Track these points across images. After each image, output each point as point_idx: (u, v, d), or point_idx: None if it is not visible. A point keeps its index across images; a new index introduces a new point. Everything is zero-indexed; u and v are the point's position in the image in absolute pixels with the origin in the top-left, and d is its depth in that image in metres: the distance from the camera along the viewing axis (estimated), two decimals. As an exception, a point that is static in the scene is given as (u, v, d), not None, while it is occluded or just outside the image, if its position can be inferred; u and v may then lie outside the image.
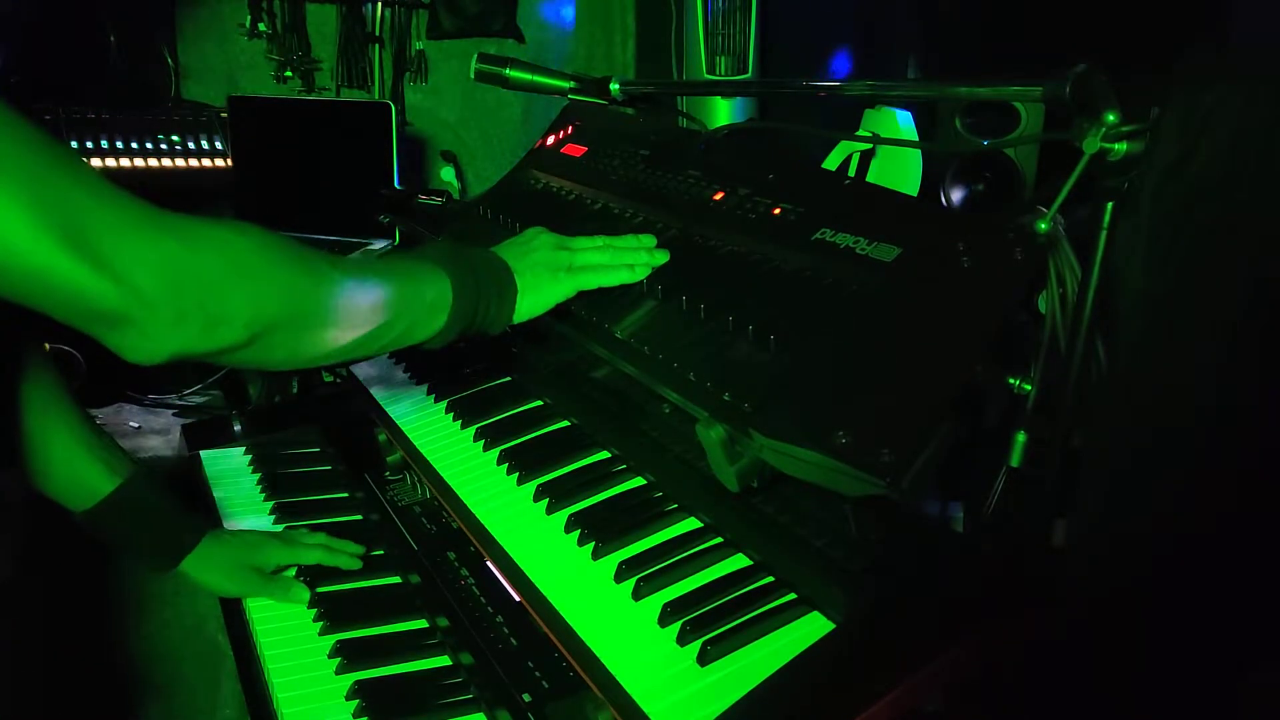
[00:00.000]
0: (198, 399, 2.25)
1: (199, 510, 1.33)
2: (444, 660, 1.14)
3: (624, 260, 1.17)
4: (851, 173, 1.38)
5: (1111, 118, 0.87)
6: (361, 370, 1.54)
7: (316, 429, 1.64)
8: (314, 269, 0.94)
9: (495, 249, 1.17)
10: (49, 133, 0.78)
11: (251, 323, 0.86)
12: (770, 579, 0.96)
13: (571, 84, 1.60)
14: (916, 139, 1.34)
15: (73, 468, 1.17)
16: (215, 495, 1.46)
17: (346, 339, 0.98)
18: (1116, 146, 0.87)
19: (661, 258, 1.19)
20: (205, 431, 1.66)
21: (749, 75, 2.62)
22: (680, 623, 0.90)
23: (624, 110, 1.57)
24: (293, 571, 1.29)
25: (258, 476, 1.52)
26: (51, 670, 1.43)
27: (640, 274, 1.17)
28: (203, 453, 1.59)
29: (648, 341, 1.09)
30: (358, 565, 1.30)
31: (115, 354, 0.82)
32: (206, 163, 2.58)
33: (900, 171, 1.34)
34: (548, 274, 1.14)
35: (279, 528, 1.38)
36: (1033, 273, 0.92)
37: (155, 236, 0.80)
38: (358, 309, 0.97)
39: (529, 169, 1.58)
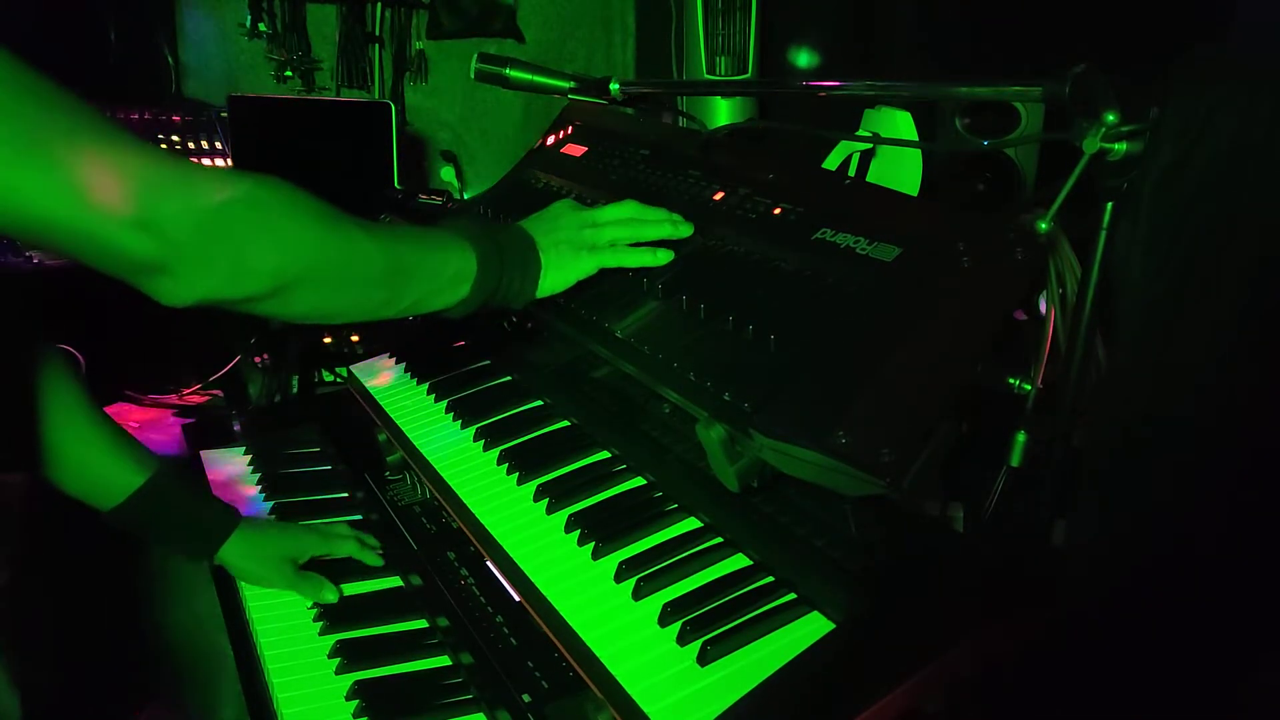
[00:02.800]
0: (198, 399, 2.24)
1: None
2: (444, 660, 1.14)
3: (648, 234, 1.18)
4: (851, 173, 1.38)
5: (1111, 118, 0.87)
6: (361, 369, 1.54)
7: (316, 429, 1.64)
8: (341, 228, 0.97)
9: (522, 223, 1.18)
10: (79, 96, 0.81)
11: (276, 275, 0.90)
12: (770, 579, 0.96)
13: (571, 84, 1.60)
14: (916, 139, 1.34)
15: (97, 467, 1.19)
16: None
17: (367, 299, 1.01)
18: (1116, 146, 0.87)
19: (686, 230, 1.19)
20: (205, 431, 1.66)
21: (749, 75, 2.62)
22: (680, 623, 0.90)
23: (624, 110, 1.57)
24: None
25: (258, 476, 1.52)
26: (56, 669, 1.43)
27: (663, 258, 1.17)
28: (203, 453, 1.59)
29: (648, 341, 1.09)
30: (380, 562, 1.32)
31: (150, 297, 0.87)
32: (207, 162, 2.58)
33: (900, 171, 1.34)
34: (571, 252, 1.15)
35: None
36: (1033, 273, 0.92)
37: (188, 189, 0.84)
38: (380, 271, 1.00)
39: (529, 169, 1.58)
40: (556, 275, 1.15)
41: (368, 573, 1.31)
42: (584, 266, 1.16)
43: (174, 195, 0.83)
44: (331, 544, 1.30)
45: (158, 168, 0.83)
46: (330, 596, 1.25)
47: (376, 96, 2.97)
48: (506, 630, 1.08)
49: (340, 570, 1.31)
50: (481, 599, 1.14)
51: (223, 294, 0.88)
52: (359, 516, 1.42)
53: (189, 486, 1.27)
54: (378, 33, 2.94)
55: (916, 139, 1.33)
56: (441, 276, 1.06)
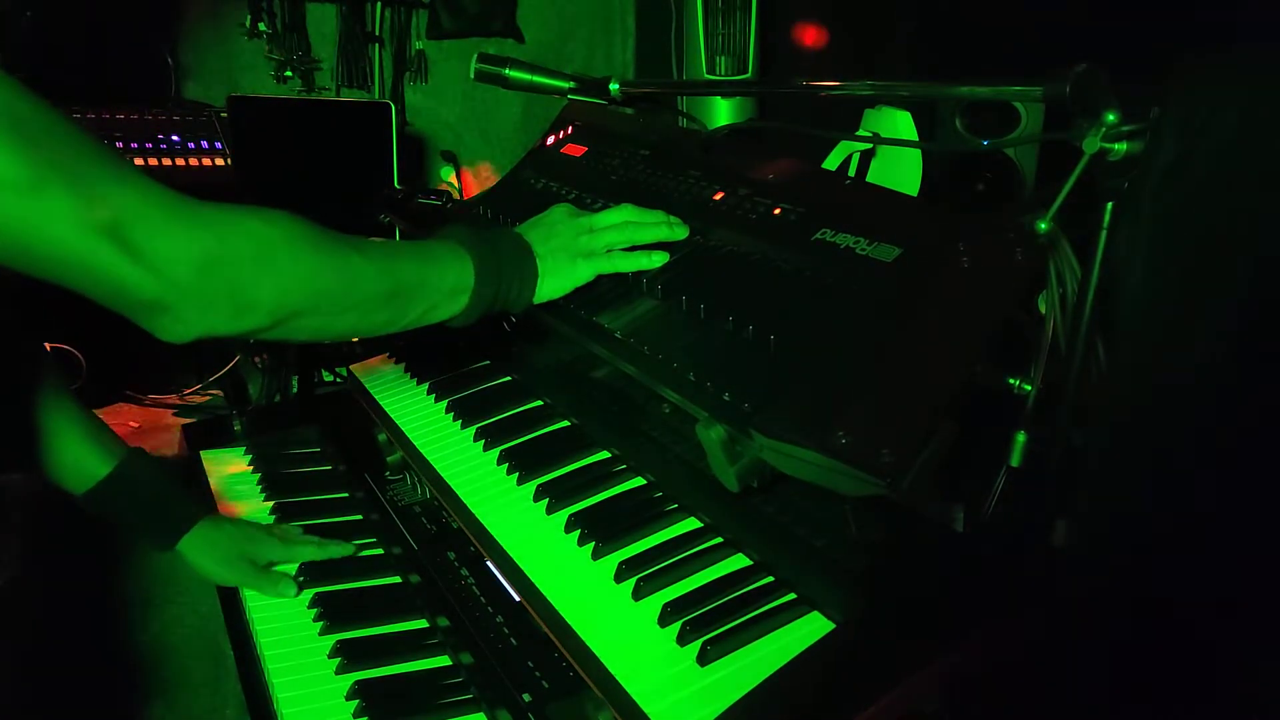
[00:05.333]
0: (198, 399, 2.24)
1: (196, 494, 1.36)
2: (444, 660, 1.14)
3: (644, 237, 1.19)
4: (851, 173, 1.38)
5: (1111, 118, 0.87)
6: (361, 370, 1.54)
7: (316, 429, 1.64)
8: (339, 256, 0.98)
9: (519, 229, 1.19)
10: (86, 129, 0.82)
11: (276, 309, 0.92)
12: (770, 579, 0.96)
13: (571, 84, 1.60)
14: (916, 139, 1.34)
15: (72, 453, 1.22)
16: (215, 495, 1.46)
17: (369, 320, 1.03)
18: (1116, 146, 0.87)
19: (682, 232, 1.20)
20: (205, 431, 1.66)
21: (749, 75, 2.63)
22: (680, 623, 0.90)
23: (624, 110, 1.57)
24: (288, 567, 1.32)
25: (258, 476, 1.52)
26: (57, 669, 1.44)
27: (658, 261, 1.18)
28: (203, 453, 1.59)
29: (648, 341, 1.09)
30: (349, 552, 1.35)
31: (150, 333, 0.88)
32: (206, 162, 2.58)
33: (900, 171, 1.34)
34: (568, 258, 1.16)
35: (279, 528, 1.38)
36: (1033, 273, 0.92)
37: (188, 229, 0.85)
38: (381, 293, 1.02)
39: (529, 169, 1.58)
40: (554, 282, 1.15)
41: (368, 572, 1.31)
42: (581, 274, 1.17)
43: (176, 233, 0.84)
44: (292, 549, 1.32)
45: (162, 204, 0.84)
46: (289, 592, 1.28)
47: (376, 96, 2.97)
48: (506, 630, 1.08)
49: (340, 570, 1.31)
50: (481, 599, 1.14)
51: (224, 329, 0.89)
52: (359, 516, 1.42)
53: (156, 477, 1.29)
54: (378, 33, 2.94)
55: (916, 139, 1.33)
56: (440, 291, 1.07)
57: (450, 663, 1.13)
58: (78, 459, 1.22)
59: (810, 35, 2.69)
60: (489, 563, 1.14)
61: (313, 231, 0.96)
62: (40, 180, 0.76)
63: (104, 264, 0.80)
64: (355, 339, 1.65)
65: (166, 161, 2.53)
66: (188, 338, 0.88)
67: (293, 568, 1.32)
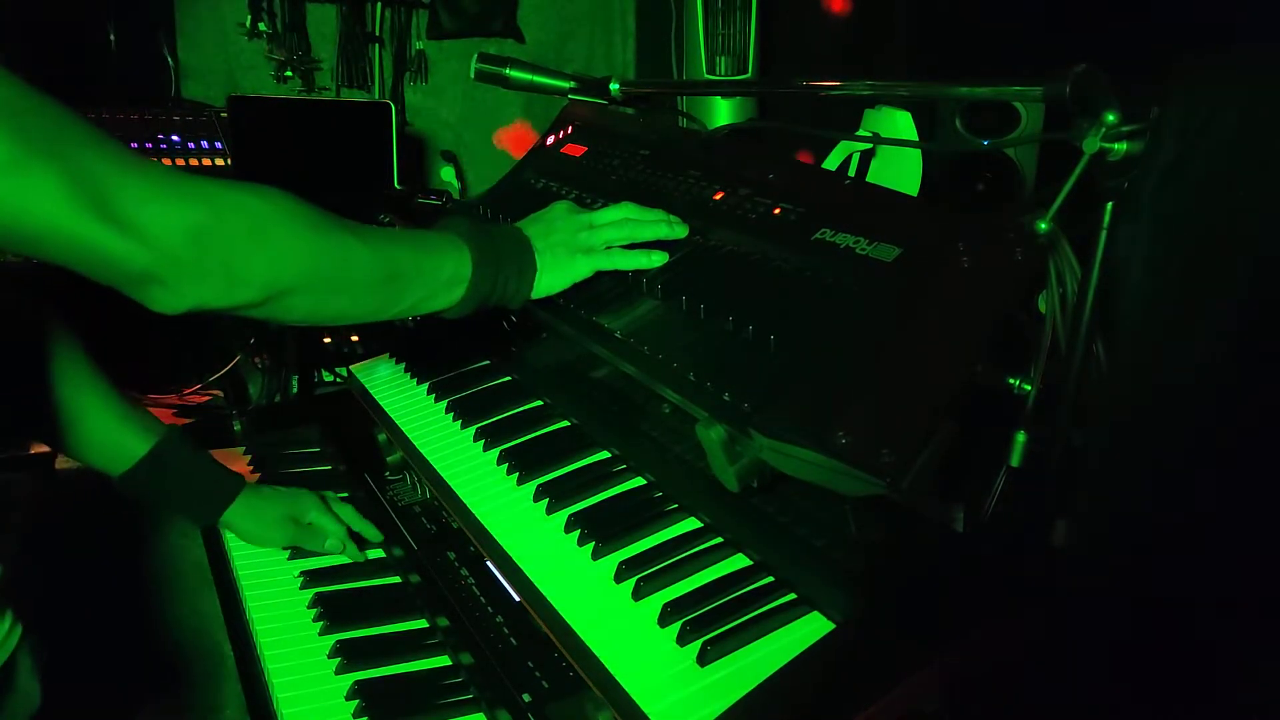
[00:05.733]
0: (197, 399, 2.25)
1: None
2: (444, 660, 1.14)
3: (644, 235, 1.19)
4: (851, 173, 1.38)
5: (1111, 118, 0.87)
6: (361, 369, 1.54)
7: (316, 429, 1.64)
8: (334, 236, 0.98)
9: (519, 224, 1.19)
10: (72, 109, 0.82)
11: (269, 284, 0.91)
12: (770, 579, 0.96)
13: (571, 84, 1.60)
14: (916, 139, 1.34)
15: (108, 433, 1.22)
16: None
17: (362, 304, 1.03)
18: (1116, 146, 0.87)
19: (681, 231, 1.20)
20: (205, 431, 1.66)
21: (749, 75, 2.63)
22: (680, 623, 0.90)
23: (624, 110, 1.57)
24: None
25: (258, 477, 1.51)
26: (55, 669, 1.44)
27: (658, 260, 1.18)
28: (202, 453, 1.59)
29: (648, 341, 1.09)
30: (380, 537, 1.36)
31: (141, 305, 0.88)
32: (206, 162, 2.58)
33: (900, 171, 1.34)
34: (567, 254, 1.16)
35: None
36: (1033, 273, 0.92)
37: (178, 200, 0.85)
38: (375, 278, 1.01)
39: (529, 169, 1.58)
40: (552, 277, 1.15)
41: (368, 572, 1.31)
42: (580, 269, 1.17)
43: (166, 205, 0.83)
44: (331, 505, 1.36)
45: (149, 178, 0.84)
46: (334, 545, 1.31)
47: (376, 96, 2.98)
48: (506, 630, 1.08)
49: (340, 570, 1.31)
50: (481, 599, 1.14)
51: (216, 302, 0.89)
52: (359, 517, 1.42)
53: (194, 453, 1.30)
54: (378, 33, 2.94)
55: (916, 139, 1.33)
56: (437, 280, 1.07)
57: (450, 663, 1.13)
58: (116, 439, 1.23)
59: (837, 2, 2.69)
60: (489, 563, 1.14)
61: (309, 210, 0.95)
62: (24, 157, 0.76)
63: (92, 237, 0.80)
64: (354, 335, 1.64)
65: (166, 161, 2.53)
66: (180, 309, 0.88)
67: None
